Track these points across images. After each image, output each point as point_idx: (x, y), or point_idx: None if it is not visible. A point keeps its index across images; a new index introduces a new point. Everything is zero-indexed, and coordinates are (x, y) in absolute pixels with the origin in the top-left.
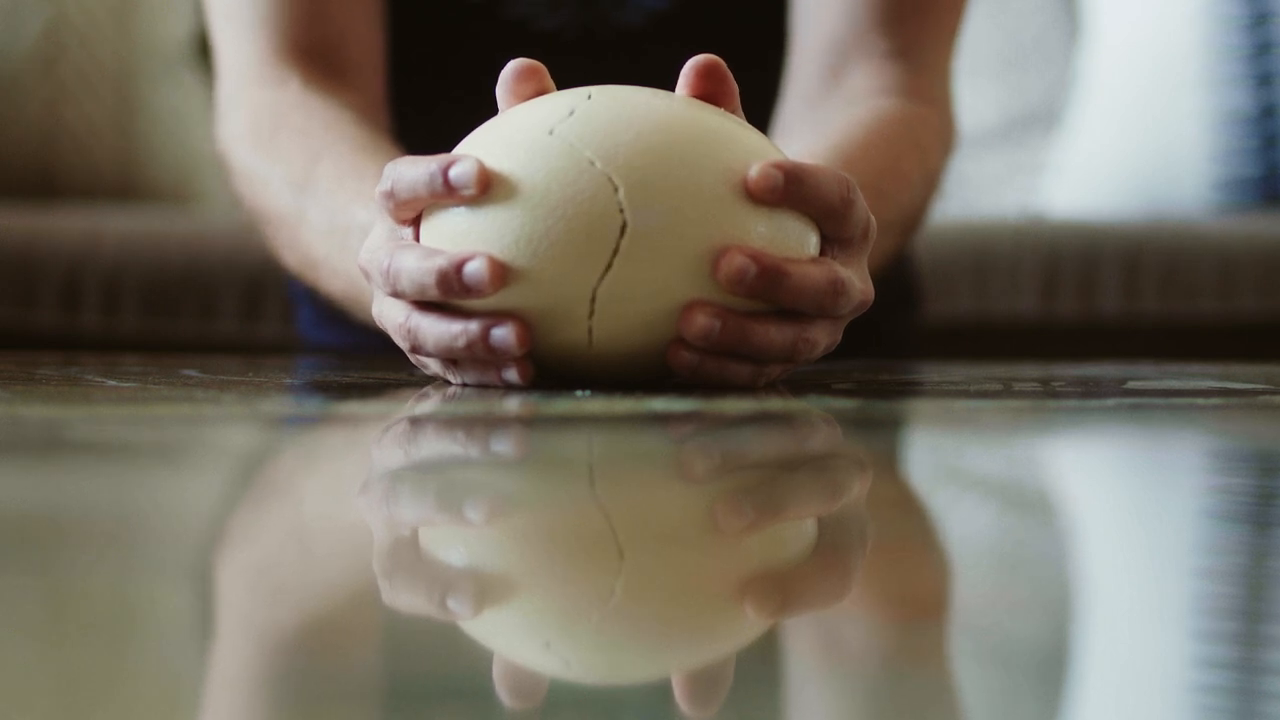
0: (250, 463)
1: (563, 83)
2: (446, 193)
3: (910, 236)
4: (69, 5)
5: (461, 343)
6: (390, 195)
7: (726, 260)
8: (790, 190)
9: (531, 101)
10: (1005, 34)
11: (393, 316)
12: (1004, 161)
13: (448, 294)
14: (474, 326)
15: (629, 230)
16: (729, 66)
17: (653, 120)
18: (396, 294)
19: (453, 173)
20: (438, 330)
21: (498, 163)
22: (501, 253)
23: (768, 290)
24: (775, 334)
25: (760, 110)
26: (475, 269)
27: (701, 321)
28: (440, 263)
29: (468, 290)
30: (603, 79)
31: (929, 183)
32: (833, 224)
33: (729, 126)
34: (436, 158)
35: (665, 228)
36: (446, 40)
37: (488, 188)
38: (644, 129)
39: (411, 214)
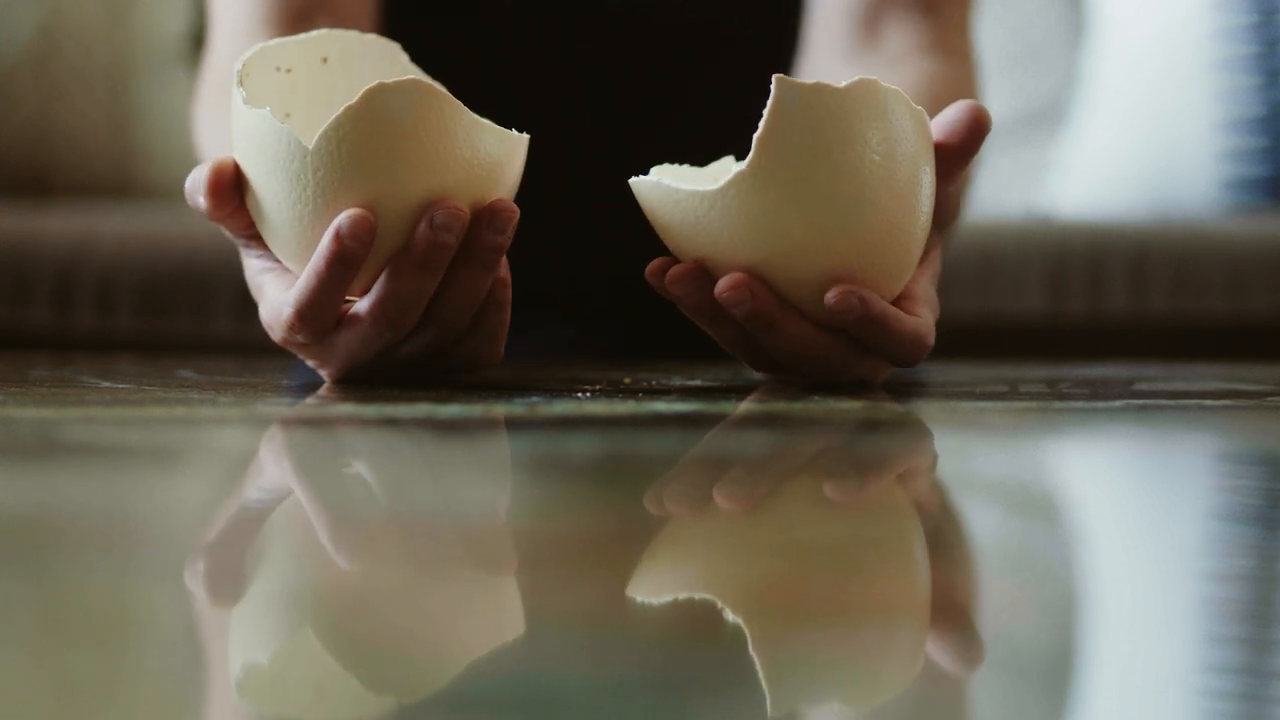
0: (246, 465)
1: (554, 56)
2: (359, 251)
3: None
4: (63, 2)
5: (330, 244)
6: (304, 325)
7: (845, 294)
8: (863, 327)
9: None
10: (1012, 32)
11: (275, 309)
12: (1010, 161)
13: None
14: (326, 238)
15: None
16: (739, 33)
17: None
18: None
19: (345, 234)
20: (309, 282)
21: (254, 165)
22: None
23: (764, 327)
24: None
25: (771, 70)
26: (193, 178)
27: (743, 304)
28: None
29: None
30: (605, 56)
31: None
32: (888, 361)
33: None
34: (316, 257)
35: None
36: (439, 7)
37: (371, 223)
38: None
39: (334, 317)
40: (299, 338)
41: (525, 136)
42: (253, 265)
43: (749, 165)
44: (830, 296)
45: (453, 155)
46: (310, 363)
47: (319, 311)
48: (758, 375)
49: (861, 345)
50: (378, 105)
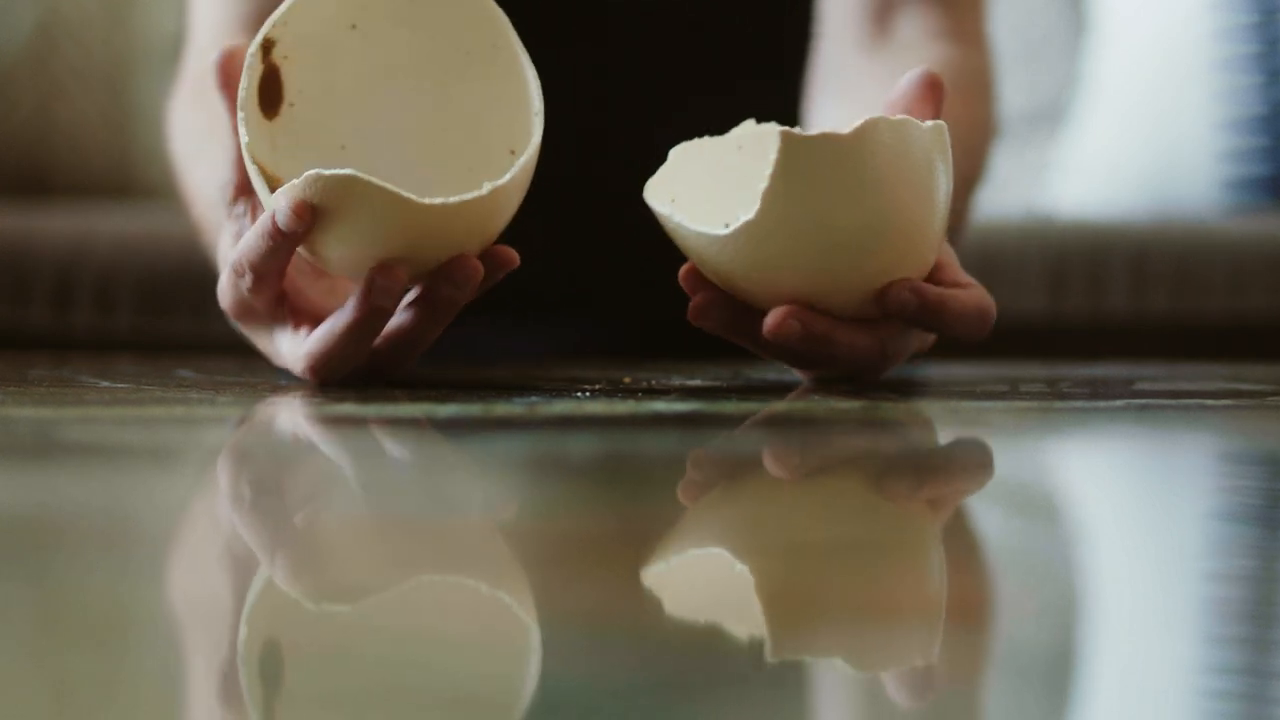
0: (245, 465)
1: (554, 56)
2: (296, 233)
3: (979, 187)
4: (62, 2)
5: (264, 227)
6: (255, 274)
7: (895, 290)
8: (924, 316)
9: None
10: (1012, 32)
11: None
12: (1011, 160)
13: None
14: (265, 216)
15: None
16: (740, 30)
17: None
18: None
19: (280, 220)
20: (249, 243)
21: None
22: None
23: (817, 345)
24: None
25: (771, 66)
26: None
27: (794, 335)
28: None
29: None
30: (605, 55)
31: (994, 131)
32: (956, 338)
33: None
34: (261, 220)
35: None
36: None
37: (308, 210)
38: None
39: (280, 268)
40: (244, 284)
41: (507, 180)
42: (225, 241)
43: (755, 216)
44: (884, 297)
45: (397, 237)
46: (256, 343)
47: (259, 269)
48: (757, 374)
49: (912, 331)
50: (316, 190)
